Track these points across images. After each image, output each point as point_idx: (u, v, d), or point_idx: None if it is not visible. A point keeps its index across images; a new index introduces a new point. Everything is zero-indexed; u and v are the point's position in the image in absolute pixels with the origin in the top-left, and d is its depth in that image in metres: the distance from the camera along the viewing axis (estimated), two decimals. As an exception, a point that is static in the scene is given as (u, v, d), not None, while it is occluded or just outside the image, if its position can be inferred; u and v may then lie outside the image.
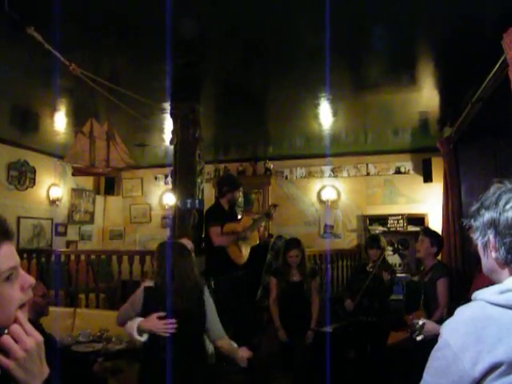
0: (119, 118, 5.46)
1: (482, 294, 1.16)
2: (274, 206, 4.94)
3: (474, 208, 1.25)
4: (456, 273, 5.62)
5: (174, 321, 2.70)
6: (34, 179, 7.62)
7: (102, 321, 4.61)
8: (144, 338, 2.73)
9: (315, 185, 8.31)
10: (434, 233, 4.20)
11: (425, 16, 3.26)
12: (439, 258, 6.01)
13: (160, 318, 2.70)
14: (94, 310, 5.61)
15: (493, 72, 3.65)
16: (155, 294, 2.79)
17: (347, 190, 8.17)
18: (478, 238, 1.24)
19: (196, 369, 2.78)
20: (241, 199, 4.73)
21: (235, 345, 2.96)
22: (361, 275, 4.50)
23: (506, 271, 1.19)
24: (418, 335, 2.56)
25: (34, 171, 7.59)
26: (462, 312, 1.18)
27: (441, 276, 3.76)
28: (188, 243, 3.17)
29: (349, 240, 8.01)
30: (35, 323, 3.23)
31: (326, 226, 8.09)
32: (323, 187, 8.21)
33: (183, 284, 2.76)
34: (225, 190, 4.65)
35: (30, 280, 0.99)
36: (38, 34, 2.71)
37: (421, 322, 2.66)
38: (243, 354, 2.94)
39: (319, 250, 6.97)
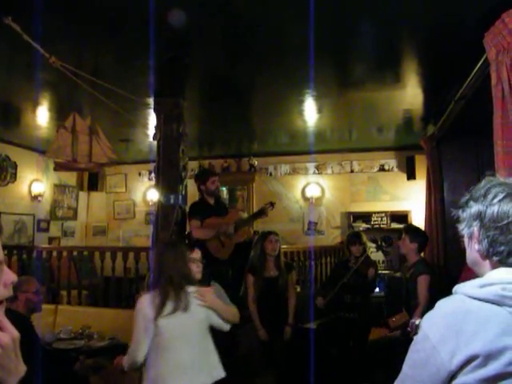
0: (102, 113, 5.40)
1: (463, 288, 1.18)
2: (272, 204, 4.87)
3: (463, 199, 1.26)
4: (438, 268, 5.69)
5: None
6: (16, 174, 7.51)
7: (84, 318, 4.57)
8: None
9: (299, 182, 8.34)
10: (415, 230, 4.24)
11: (408, 14, 3.28)
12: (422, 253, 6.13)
13: None
14: (76, 306, 5.55)
15: (475, 70, 3.69)
16: None
17: (331, 187, 8.21)
18: (463, 229, 1.26)
19: None
20: (217, 190, 4.69)
21: None
22: (342, 271, 4.50)
23: (487, 264, 1.21)
24: (415, 334, 2.59)
25: (15, 166, 7.48)
26: (442, 305, 1.19)
27: (422, 273, 3.79)
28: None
29: (332, 237, 8.06)
30: (27, 320, 3.20)
31: (310, 222, 8.12)
32: (307, 184, 8.24)
33: None
34: (198, 185, 4.69)
35: (13, 277, 0.96)
36: (16, 24, 2.65)
37: (417, 322, 2.71)
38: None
39: (303, 247, 6.98)
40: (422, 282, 3.75)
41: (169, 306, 2.57)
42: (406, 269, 4.03)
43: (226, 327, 2.82)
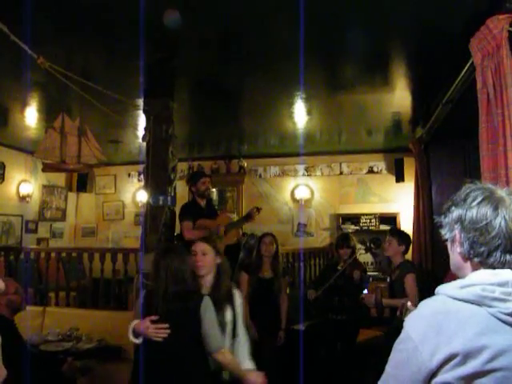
0: (91, 114, 5.37)
1: (444, 289, 1.21)
2: (258, 209, 4.91)
3: (445, 206, 1.31)
4: (425, 270, 5.74)
5: (165, 325, 2.60)
6: (4, 175, 7.46)
7: (72, 319, 4.55)
8: (139, 340, 2.64)
9: (289, 183, 8.36)
10: (401, 232, 4.29)
11: (397, 19, 3.32)
12: (410, 254, 6.17)
13: (153, 321, 2.61)
14: (64, 308, 5.51)
15: (461, 75, 3.73)
16: (152, 298, 2.71)
17: (321, 188, 8.24)
18: (446, 234, 1.30)
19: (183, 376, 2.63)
20: (208, 190, 4.73)
21: (248, 365, 2.82)
22: (331, 273, 4.52)
23: (468, 266, 1.24)
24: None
25: (3, 167, 7.42)
26: (424, 306, 1.22)
27: (408, 272, 3.83)
28: None
29: (321, 238, 8.08)
30: (10, 323, 3.18)
31: (299, 224, 8.14)
32: (297, 186, 8.27)
33: (176, 287, 2.67)
34: (190, 187, 4.74)
35: (1, 285, 0.97)
36: (4, 25, 2.64)
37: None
38: (255, 378, 2.68)
39: (292, 249, 7.01)
40: (410, 280, 3.78)
41: None
42: (392, 271, 4.07)
43: None
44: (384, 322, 4.09)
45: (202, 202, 4.72)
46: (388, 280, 4.05)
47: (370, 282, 4.05)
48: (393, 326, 3.80)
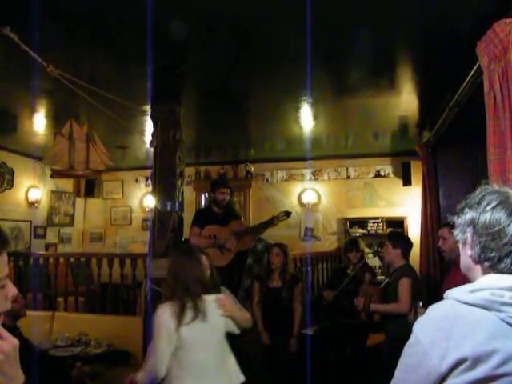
0: (99, 120, 5.42)
1: (453, 293, 1.20)
2: (287, 213, 4.85)
3: (459, 206, 1.30)
4: (433, 273, 5.71)
5: None
6: (13, 181, 7.50)
7: (81, 324, 4.57)
8: None
9: (296, 188, 8.36)
10: (396, 235, 4.25)
11: (403, 23, 3.33)
12: (417, 258, 6.14)
13: None
14: (73, 313, 5.55)
15: (468, 78, 3.73)
16: None
17: (328, 193, 8.24)
18: (458, 235, 1.29)
19: None
20: (223, 202, 4.70)
21: None
22: (341, 278, 4.52)
23: (478, 269, 1.24)
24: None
25: (12, 173, 7.47)
26: (433, 310, 1.22)
27: (403, 276, 3.74)
28: None
29: (329, 243, 8.07)
30: (13, 328, 3.20)
31: (306, 228, 8.14)
32: (304, 190, 8.26)
33: None
34: (209, 192, 4.77)
35: (14, 291, 0.99)
36: (14, 34, 2.68)
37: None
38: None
39: (300, 253, 7.00)
40: (403, 284, 3.69)
41: (188, 316, 2.50)
42: (391, 274, 4.01)
43: (237, 331, 2.78)
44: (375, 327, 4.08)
45: (218, 209, 4.72)
46: (382, 284, 4.00)
47: (361, 286, 4.02)
48: (391, 333, 3.77)
